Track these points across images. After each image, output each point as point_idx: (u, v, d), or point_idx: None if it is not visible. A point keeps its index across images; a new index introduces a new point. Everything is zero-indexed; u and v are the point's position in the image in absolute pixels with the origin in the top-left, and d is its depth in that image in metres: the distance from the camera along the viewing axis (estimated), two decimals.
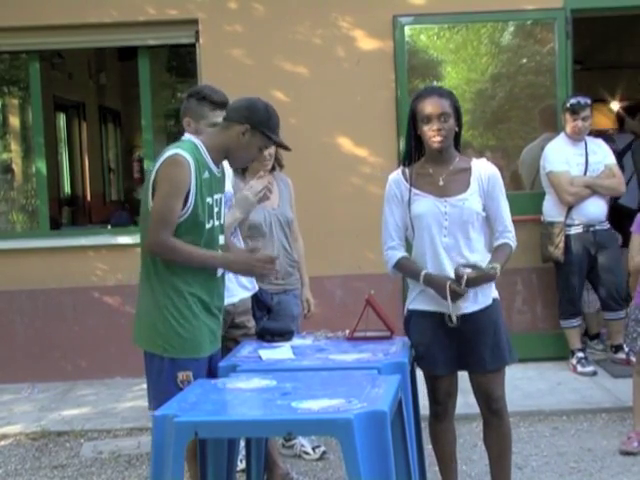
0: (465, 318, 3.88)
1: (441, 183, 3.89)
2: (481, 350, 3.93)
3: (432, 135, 3.84)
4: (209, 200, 3.60)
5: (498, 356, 3.97)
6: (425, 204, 3.88)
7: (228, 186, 4.07)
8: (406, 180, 3.94)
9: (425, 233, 3.87)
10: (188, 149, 3.57)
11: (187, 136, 3.73)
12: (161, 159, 3.57)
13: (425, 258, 3.88)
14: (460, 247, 3.86)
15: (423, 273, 3.86)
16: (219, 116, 4.00)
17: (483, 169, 3.95)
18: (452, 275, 3.82)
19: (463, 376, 6.52)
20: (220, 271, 3.71)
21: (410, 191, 3.90)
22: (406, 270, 3.98)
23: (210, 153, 3.63)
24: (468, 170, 3.93)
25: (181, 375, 3.59)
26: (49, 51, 8.23)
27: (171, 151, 3.57)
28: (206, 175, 3.59)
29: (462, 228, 3.87)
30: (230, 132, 3.62)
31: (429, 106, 3.84)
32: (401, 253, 3.96)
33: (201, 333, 3.62)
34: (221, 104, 4.02)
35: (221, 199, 3.72)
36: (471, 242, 3.88)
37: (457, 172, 3.92)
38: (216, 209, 3.67)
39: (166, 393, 3.50)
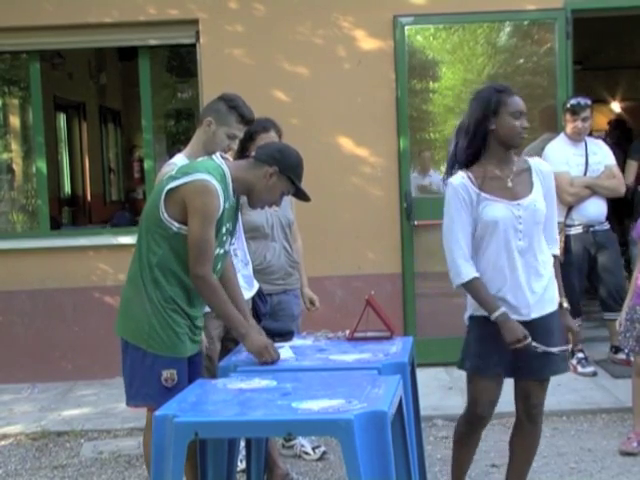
0: (536, 323, 3.79)
1: (510, 185, 3.77)
2: (549, 355, 3.82)
3: (522, 131, 3.73)
4: (223, 228, 3.65)
5: (564, 360, 3.93)
6: (499, 209, 3.73)
7: None
8: (473, 184, 3.75)
9: (501, 239, 3.73)
10: (218, 177, 3.58)
11: (217, 160, 3.68)
12: (191, 178, 3.55)
13: (501, 264, 3.74)
14: (534, 249, 3.77)
15: (500, 312, 3.70)
16: (241, 130, 4.06)
17: (541, 167, 3.88)
18: (525, 284, 3.74)
19: (463, 376, 6.52)
20: None
21: (479, 196, 3.73)
22: (478, 294, 3.75)
23: (233, 184, 3.65)
24: (529, 169, 3.83)
25: (165, 373, 3.64)
26: (49, 51, 8.23)
27: (203, 175, 3.55)
28: (227, 205, 3.62)
29: (535, 230, 3.78)
30: (257, 171, 3.65)
31: (520, 102, 3.76)
32: (474, 271, 3.75)
33: (183, 335, 3.68)
34: (248, 120, 4.07)
35: (231, 228, 3.74)
36: (540, 243, 3.81)
37: (520, 172, 3.81)
38: (225, 237, 3.70)
39: (149, 387, 3.60)
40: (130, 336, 3.69)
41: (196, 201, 3.53)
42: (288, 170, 3.65)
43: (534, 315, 3.79)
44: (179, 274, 3.64)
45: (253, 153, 3.76)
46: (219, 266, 3.74)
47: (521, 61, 7.19)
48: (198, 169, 3.60)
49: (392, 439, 2.91)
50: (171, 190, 3.58)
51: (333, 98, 6.73)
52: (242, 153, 4.40)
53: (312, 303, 4.97)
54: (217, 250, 3.66)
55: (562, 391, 6.03)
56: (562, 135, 6.50)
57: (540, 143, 6.76)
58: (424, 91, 7.25)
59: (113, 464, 5.14)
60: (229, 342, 4.14)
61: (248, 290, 4.28)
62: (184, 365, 3.70)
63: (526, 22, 7.03)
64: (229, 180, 3.63)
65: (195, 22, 6.76)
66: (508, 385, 6.27)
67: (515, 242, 3.74)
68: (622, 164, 7.03)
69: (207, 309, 3.86)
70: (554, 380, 6.27)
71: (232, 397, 3.20)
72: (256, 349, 3.63)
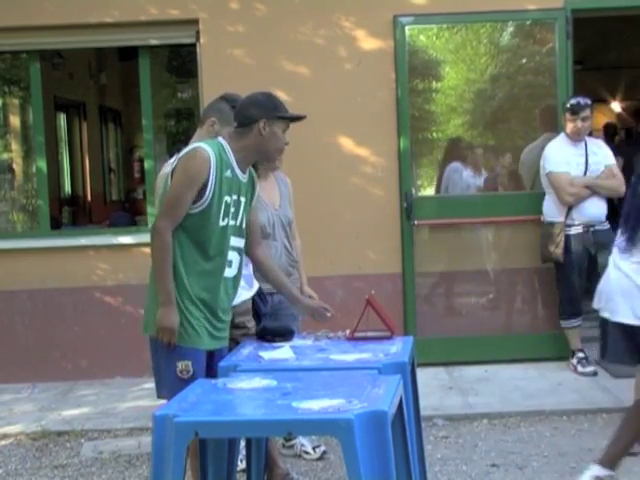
0: None
1: None
2: None
3: None
4: (227, 198, 3.69)
5: None
6: None
7: None
8: None
9: None
10: (212, 145, 3.68)
11: (219, 138, 3.79)
12: (184, 151, 3.70)
13: None
14: None
15: None
16: None
17: None
18: None
19: (463, 376, 6.54)
20: (230, 273, 3.79)
21: None
22: None
23: (235, 155, 3.72)
24: None
25: (180, 365, 3.66)
26: (50, 51, 8.23)
27: (195, 145, 3.70)
28: (228, 174, 3.68)
29: None
30: (251, 133, 3.71)
31: None
32: None
33: (199, 327, 3.70)
34: None
35: (240, 201, 3.78)
36: None
37: None
38: (233, 209, 3.74)
39: (168, 379, 3.65)
40: (152, 330, 3.73)
41: (182, 164, 3.66)
42: (273, 113, 3.73)
43: None
44: (199, 261, 3.69)
45: (235, 124, 3.82)
46: (231, 241, 3.77)
47: (521, 61, 7.19)
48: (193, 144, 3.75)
49: (392, 439, 2.91)
50: (173, 171, 3.69)
51: (333, 98, 6.72)
52: None
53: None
54: (224, 221, 3.71)
55: (563, 391, 6.04)
56: (562, 135, 6.50)
57: (540, 143, 6.76)
58: (425, 91, 7.25)
59: (113, 464, 5.14)
60: (229, 342, 4.14)
61: (248, 290, 4.28)
62: (201, 357, 3.72)
63: (526, 22, 7.03)
64: (228, 150, 3.70)
65: (195, 22, 6.76)
66: (511, 385, 6.29)
67: None
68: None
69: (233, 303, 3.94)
70: (554, 380, 6.35)
71: (232, 397, 3.20)
72: (161, 324, 3.64)
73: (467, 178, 7.15)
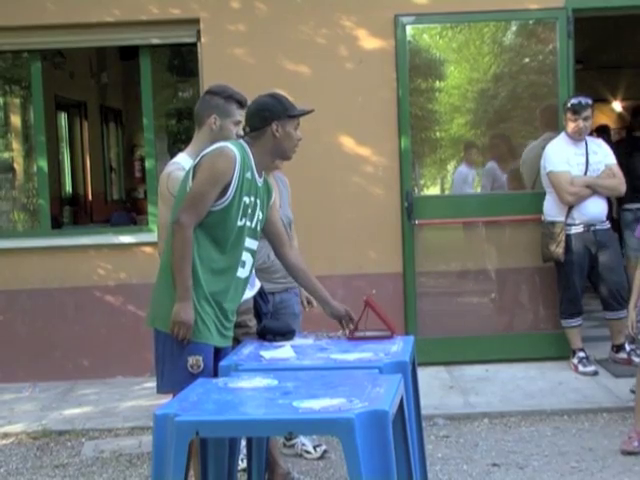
0: None
1: None
2: None
3: None
4: (246, 199, 3.75)
5: None
6: None
7: None
8: None
9: None
10: (237, 146, 3.74)
11: (240, 140, 3.86)
12: (210, 149, 3.74)
13: None
14: None
15: None
16: (242, 115, 4.15)
17: None
18: None
19: (463, 375, 6.55)
20: (243, 273, 3.83)
21: None
22: None
23: (259, 158, 3.80)
24: None
25: (191, 359, 3.69)
26: (51, 50, 8.23)
27: (221, 144, 3.76)
28: (248, 175, 3.75)
29: None
30: (265, 137, 3.81)
31: None
32: None
33: (210, 323, 3.74)
34: (244, 103, 4.17)
35: (256, 203, 3.83)
36: None
37: None
38: (250, 210, 3.80)
39: (177, 374, 3.67)
40: (160, 324, 3.76)
41: (208, 160, 3.70)
42: (283, 114, 3.82)
43: None
44: (214, 259, 3.73)
45: (246, 130, 3.90)
46: (246, 242, 3.81)
47: (523, 60, 7.19)
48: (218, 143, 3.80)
49: (393, 438, 2.91)
50: (196, 166, 3.73)
51: (334, 97, 6.72)
52: None
53: (309, 302, 4.97)
54: (242, 221, 3.76)
55: (563, 390, 6.04)
56: (563, 134, 6.50)
57: (541, 142, 6.76)
58: (426, 90, 7.25)
59: (114, 463, 5.14)
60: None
61: (250, 289, 4.28)
62: (210, 352, 3.75)
63: (528, 21, 7.02)
64: (249, 153, 3.77)
65: (196, 21, 6.76)
66: (512, 385, 6.30)
67: None
68: None
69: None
70: (555, 379, 6.35)
71: (233, 396, 3.20)
72: (178, 318, 3.66)
73: (503, 176, 7.17)
